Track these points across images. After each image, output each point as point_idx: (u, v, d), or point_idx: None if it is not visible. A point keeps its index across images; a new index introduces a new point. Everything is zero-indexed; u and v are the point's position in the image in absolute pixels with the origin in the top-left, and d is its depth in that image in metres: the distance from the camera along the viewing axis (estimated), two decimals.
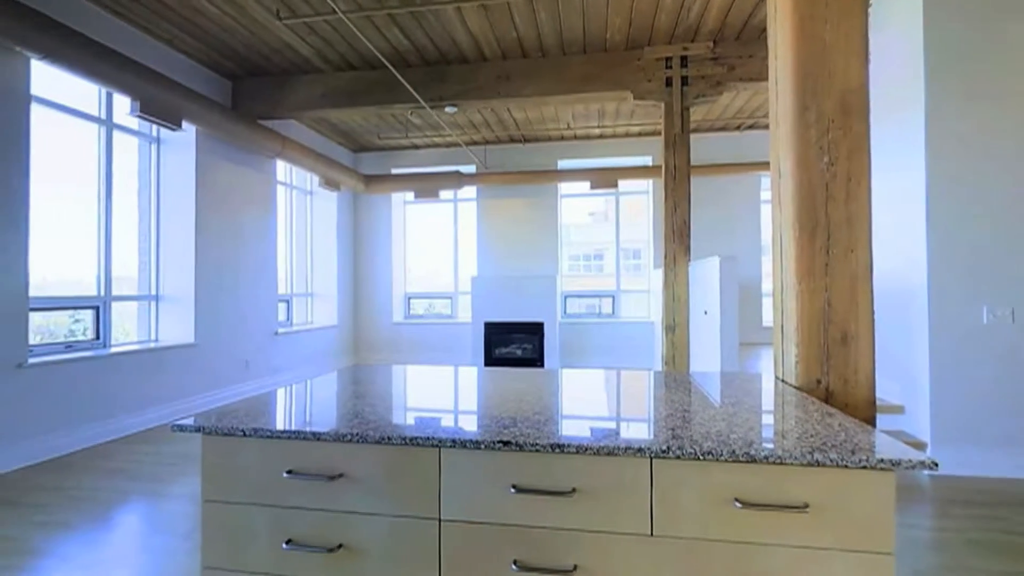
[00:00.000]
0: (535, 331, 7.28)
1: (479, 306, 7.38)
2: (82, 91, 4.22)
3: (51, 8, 3.62)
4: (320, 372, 6.98)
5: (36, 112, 3.70)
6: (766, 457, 1.05)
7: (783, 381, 1.75)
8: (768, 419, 1.37)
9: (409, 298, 8.49)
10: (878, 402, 3.45)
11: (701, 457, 1.07)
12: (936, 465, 0.99)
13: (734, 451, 1.06)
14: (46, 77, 3.78)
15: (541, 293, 7.25)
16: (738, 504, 1.05)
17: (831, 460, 1.02)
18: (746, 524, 1.06)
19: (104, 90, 4.31)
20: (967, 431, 3.27)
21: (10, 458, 3.41)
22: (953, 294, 3.32)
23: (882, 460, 1.01)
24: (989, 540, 2.43)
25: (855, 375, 1.63)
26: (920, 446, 3.34)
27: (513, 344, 7.36)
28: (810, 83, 1.66)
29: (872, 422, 1.61)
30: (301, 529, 1.25)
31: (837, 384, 1.63)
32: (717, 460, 1.07)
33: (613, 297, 7.95)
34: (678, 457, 1.08)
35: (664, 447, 1.09)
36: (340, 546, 1.23)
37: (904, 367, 3.57)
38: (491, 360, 7.34)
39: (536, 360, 7.27)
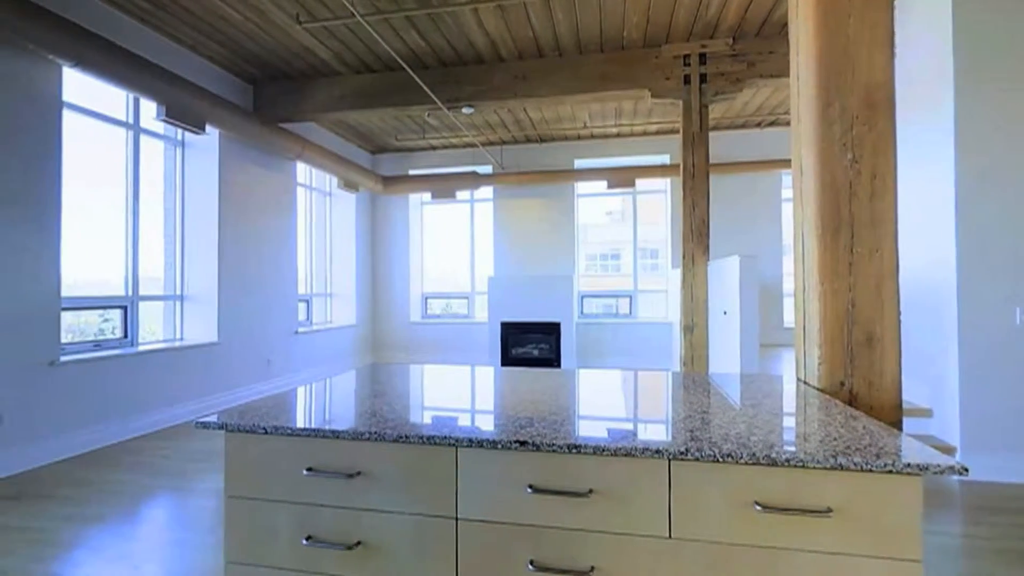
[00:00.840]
0: (552, 331, 7.27)
1: (496, 306, 7.39)
2: (111, 97, 4.34)
3: (81, 17, 3.73)
4: (339, 371, 7.08)
5: (67, 118, 3.82)
6: (787, 460, 1.03)
7: (805, 383, 1.72)
8: (789, 421, 1.34)
9: (426, 298, 8.55)
10: (905, 405, 3.36)
11: (720, 459, 1.06)
12: (966, 470, 0.96)
13: (754, 453, 1.04)
14: (77, 84, 3.91)
15: (558, 293, 7.23)
16: (759, 507, 1.03)
17: (855, 464, 1.00)
18: (767, 528, 1.04)
19: (132, 95, 4.43)
20: (998, 435, 3.16)
21: (44, 453, 3.53)
22: (984, 294, 3.21)
23: (909, 465, 0.98)
24: (1021, 549, 2.35)
25: (880, 377, 1.59)
26: (949, 451, 3.24)
27: (530, 344, 7.36)
28: (833, 78, 1.62)
29: (899, 426, 1.57)
30: (321, 526, 1.27)
31: (862, 387, 1.59)
32: (737, 463, 1.05)
33: (630, 297, 7.89)
34: (697, 459, 1.07)
35: (682, 449, 1.08)
36: (359, 543, 1.24)
37: (933, 369, 3.47)
38: (508, 360, 7.35)
39: (553, 360, 7.25)
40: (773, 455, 1.04)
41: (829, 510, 1.01)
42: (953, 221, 3.27)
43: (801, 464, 1.02)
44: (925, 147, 3.52)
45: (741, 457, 1.05)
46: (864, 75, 1.60)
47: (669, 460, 1.09)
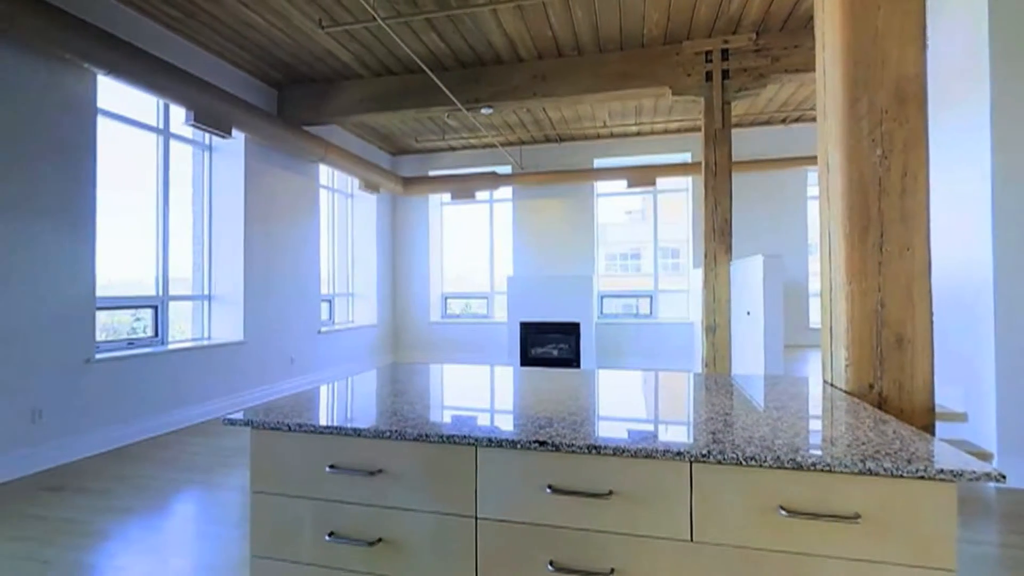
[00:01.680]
0: (571, 331, 7.24)
1: (515, 306, 7.40)
2: (141, 103, 4.49)
3: (114, 26, 3.87)
4: (360, 370, 7.18)
5: (101, 124, 3.96)
6: (813, 464, 1.00)
7: (832, 385, 1.68)
8: (816, 424, 1.31)
9: (446, 298, 8.60)
10: (938, 409, 3.25)
11: (743, 462, 1.04)
12: (1003, 477, 0.92)
13: (779, 457, 1.02)
14: (109, 91, 4.04)
15: (577, 293, 7.20)
16: (784, 512, 1.01)
17: (885, 469, 0.97)
18: (792, 533, 1.02)
19: (161, 101, 4.56)
20: None
21: (81, 447, 3.66)
22: (1022, 292, 3.08)
23: (942, 471, 0.95)
24: None
25: (911, 380, 1.55)
26: (985, 456, 3.12)
27: (549, 344, 7.34)
28: (861, 72, 1.58)
29: (931, 430, 1.52)
30: (343, 522, 1.29)
31: (891, 389, 1.55)
32: (761, 466, 1.04)
33: (651, 297, 7.81)
34: (719, 462, 1.05)
35: (704, 451, 1.06)
36: (380, 540, 1.26)
37: (968, 371, 3.34)
38: (527, 360, 7.34)
39: (572, 360, 7.22)
40: (798, 459, 1.01)
41: (857, 516, 0.99)
42: (989, 219, 3.15)
43: (828, 468, 1.00)
44: (958, 144, 3.39)
45: (765, 460, 1.03)
46: (894, 69, 1.55)
47: (691, 462, 1.08)
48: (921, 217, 1.54)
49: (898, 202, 1.55)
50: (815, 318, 6.77)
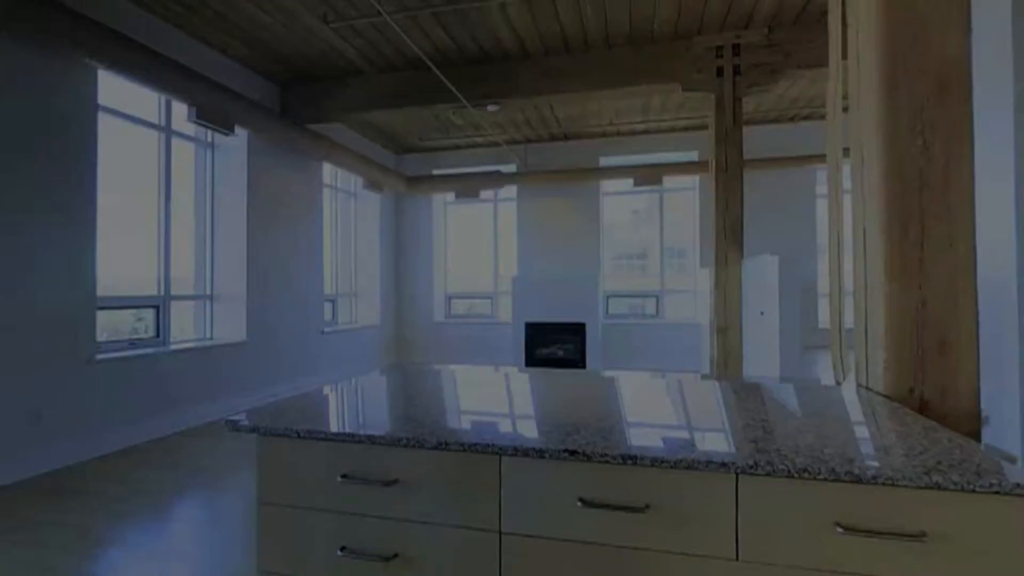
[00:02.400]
0: (577, 331, 7.15)
1: (520, 306, 7.31)
2: (143, 100, 4.41)
3: (116, 21, 3.78)
4: (364, 371, 7.09)
5: (103, 121, 3.88)
6: (874, 477, 0.92)
7: (868, 389, 1.59)
8: (862, 432, 1.23)
9: (450, 298, 8.52)
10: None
11: (795, 475, 0.95)
12: None
13: (833, 469, 0.94)
14: (111, 87, 3.96)
15: (582, 293, 7.11)
16: (840, 529, 0.93)
17: (954, 483, 0.89)
18: (851, 552, 0.94)
19: (163, 98, 4.49)
20: None
21: (82, 449, 3.58)
22: None
23: (1019, 484, 0.86)
24: None
25: (955, 384, 1.47)
26: (1011, 460, 3.03)
27: (554, 345, 7.26)
28: (900, 58, 1.50)
29: (976, 437, 1.44)
30: (356, 536, 1.21)
31: (934, 394, 1.46)
32: (814, 479, 0.95)
33: (657, 297, 7.72)
34: (768, 474, 0.97)
35: (751, 462, 0.98)
36: (396, 555, 1.18)
37: (989, 371, 3.24)
38: (532, 361, 7.26)
39: (578, 361, 7.14)
40: (855, 471, 0.93)
41: (923, 535, 0.90)
42: (1013, 213, 3.06)
43: (890, 482, 0.91)
44: (978, 136, 3.30)
45: (819, 472, 0.94)
46: (936, 54, 1.47)
47: (736, 475, 0.99)
48: (966, 210, 1.46)
49: (941, 195, 1.47)
50: (824, 319, 6.67)
